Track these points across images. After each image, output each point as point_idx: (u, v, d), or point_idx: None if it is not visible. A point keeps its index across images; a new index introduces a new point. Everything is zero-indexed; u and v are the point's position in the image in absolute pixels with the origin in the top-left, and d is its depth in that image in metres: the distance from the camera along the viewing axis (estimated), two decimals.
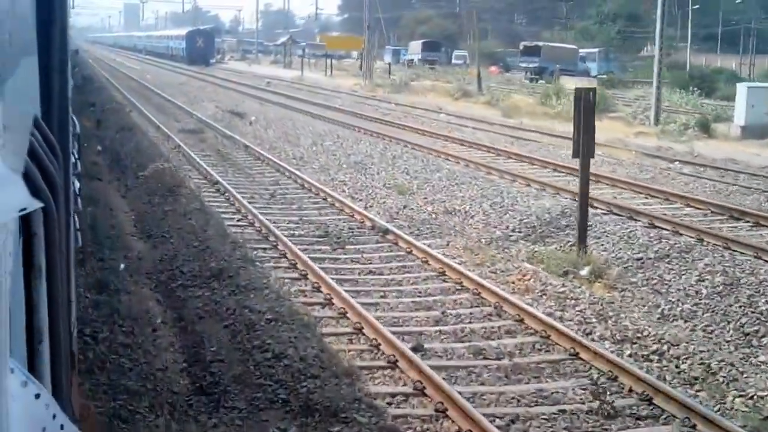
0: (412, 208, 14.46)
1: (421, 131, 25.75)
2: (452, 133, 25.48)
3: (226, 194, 15.43)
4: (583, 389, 7.33)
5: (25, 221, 1.58)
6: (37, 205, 1.48)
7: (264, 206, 14.60)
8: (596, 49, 64.05)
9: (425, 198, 15.66)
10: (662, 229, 12.67)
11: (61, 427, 1.44)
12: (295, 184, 16.79)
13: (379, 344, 8.04)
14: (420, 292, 10.02)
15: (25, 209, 1.39)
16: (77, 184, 5.12)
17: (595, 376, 7.58)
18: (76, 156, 5.55)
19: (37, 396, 1.33)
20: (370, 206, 14.66)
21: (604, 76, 55.25)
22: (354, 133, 24.75)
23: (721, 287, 10.08)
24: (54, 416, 1.41)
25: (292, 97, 38.44)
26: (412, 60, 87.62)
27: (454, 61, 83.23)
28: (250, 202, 14.56)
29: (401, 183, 16.84)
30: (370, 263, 11.20)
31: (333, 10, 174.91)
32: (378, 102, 38.35)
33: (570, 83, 54.63)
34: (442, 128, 27.24)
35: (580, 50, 65.95)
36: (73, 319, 3.21)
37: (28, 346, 1.61)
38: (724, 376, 7.63)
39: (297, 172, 17.70)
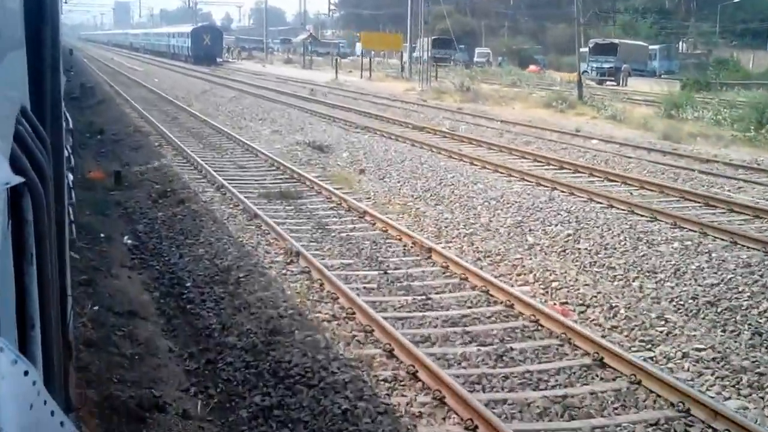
0: None
1: (670, 190, 14.13)
2: (718, 193, 14.04)
3: None
4: None
5: (15, 207, 1.54)
6: (18, 180, 1.41)
7: None
8: (657, 46, 52.64)
9: None
10: None
11: (52, 413, 1.32)
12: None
13: None
14: None
15: (8, 183, 1.35)
16: (71, 177, 4.73)
17: None
18: (69, 150, 5.17)
19: (27, 374, 1.23)
20: None
21: (681, 78, 44.05)
22: (567, 197, 13.00)
23: None
24: (45, 402, 1.29)
25: (364, 113, 26.66)
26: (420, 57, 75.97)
27: (476, 59, 71.52)
28: None
29: None
30: None
31: (325, 8, 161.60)
32: (474, 118, 26.72)
33: (647, 86, 43.44)
34: (670, 178, 15.76)
35: None
36: (69, 310, 2.89)
37: (20, 331, 1.54)
38: None
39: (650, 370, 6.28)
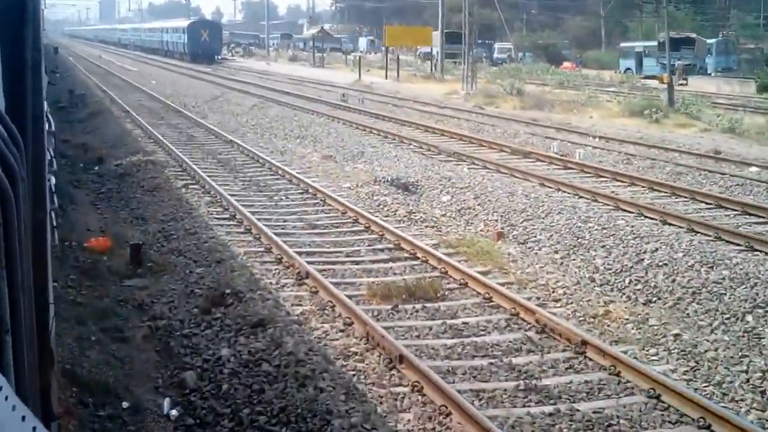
0: None
1: None
2: None
3: None
4: None
5: None
6: None
7: None
8: (713, 40, 47.48)
9: None
10: None
11: (23, 418, 1.32)
12: None
13: None
14: None
15: None
16: (53, 181, 4.67)
17: None
18: (52, 153, 5.16)
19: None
20: None
21: (755, 78, 39.04)
22: None
23: None
24: (14, 407, 1.30)
25: (430, 129, 21.35)
26: (430, 53, 70.66)
27: (497, 55, 66.25)
28: None
29: None
30: None
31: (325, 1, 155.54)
32: (559, 131, 21.51)
33: (711, 85, 38.57)
34: None
35: None
36: (51, 318, 2.77)
37: None
38: None
39: None
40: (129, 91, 33.16)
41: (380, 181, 13.95)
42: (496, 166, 15.25)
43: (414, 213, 11.88)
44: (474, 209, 12.22)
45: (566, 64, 54.64)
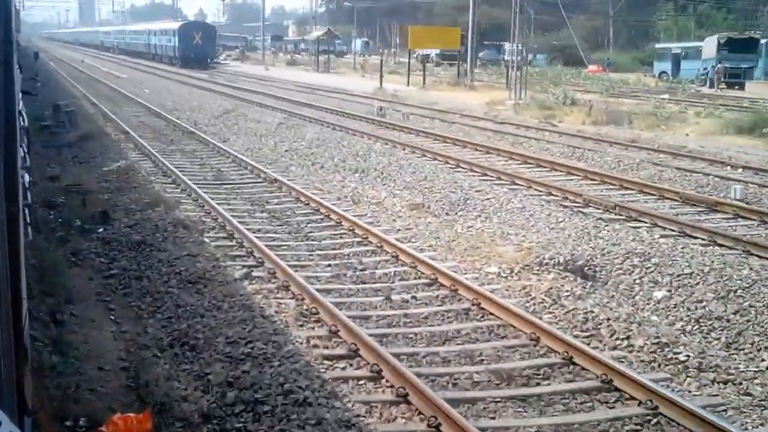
0: None
1: None
2: None
3: None
4: None
5: None
6: None
7: None
8: (764, 41, 42.87)
9: None
10: None
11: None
12: None
13: None
14: None
15: None
16: (27, 177, 4.58)
17: None
18: (25, 149, 4.99)
19: None
20: None
21: None
22: None
23: None
24: None
25: (538, 162, 16.49)
26: (428, 56, 65.77)
27: (508, 57, 61.36)
28: None
29: None
30: None
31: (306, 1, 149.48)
32: (676, 158, 16.72)
33: None
34: None
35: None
36: (24, 314, 2.67)
37: None
38: None
39: None
40: (122, 103, 27.93)
41: (545, 261, 8.94)
42: (709, 234, 10.21)
43: (662, 342, 6.86)
44: (728, 320, 7.31)
45: (592, 67, 49.94)
